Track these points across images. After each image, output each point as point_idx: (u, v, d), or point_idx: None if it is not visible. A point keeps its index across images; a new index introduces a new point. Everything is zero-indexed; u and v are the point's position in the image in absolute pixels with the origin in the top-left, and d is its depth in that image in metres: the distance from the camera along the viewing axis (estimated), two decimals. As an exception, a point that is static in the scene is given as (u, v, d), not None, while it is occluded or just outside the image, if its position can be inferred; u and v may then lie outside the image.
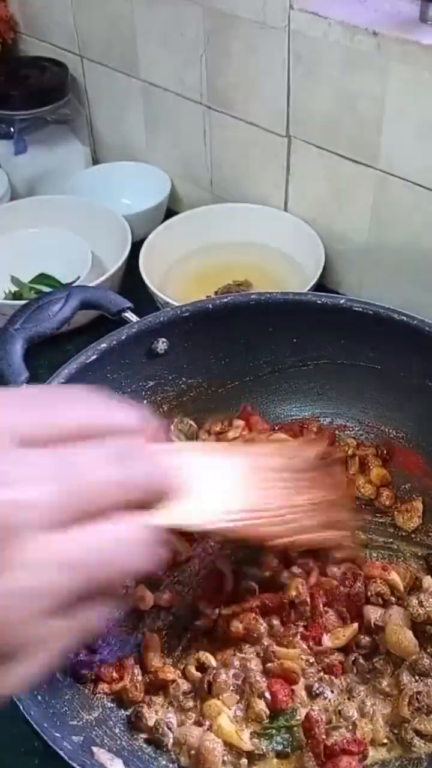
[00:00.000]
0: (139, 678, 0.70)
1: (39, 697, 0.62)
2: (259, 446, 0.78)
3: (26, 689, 0.57)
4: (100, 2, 1.25)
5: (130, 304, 0.85)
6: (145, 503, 0.41)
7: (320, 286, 1.10)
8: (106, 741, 0.66)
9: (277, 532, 0.62)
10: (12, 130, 1.32)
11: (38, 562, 0.35)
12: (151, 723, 0.68)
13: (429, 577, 0.78)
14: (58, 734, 0.57)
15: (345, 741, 0.65)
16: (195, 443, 0.85)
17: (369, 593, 0.75)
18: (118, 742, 0.67)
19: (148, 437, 0.44)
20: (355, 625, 0.73)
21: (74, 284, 1.11)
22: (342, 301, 0.85)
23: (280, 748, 0.68)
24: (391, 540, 0.84)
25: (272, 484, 0.63)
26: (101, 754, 0.61)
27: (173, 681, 0.70)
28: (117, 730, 0.68)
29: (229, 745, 0.67)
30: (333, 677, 0.71)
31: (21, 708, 0.57)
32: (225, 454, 0.63)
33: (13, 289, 1.19)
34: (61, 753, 0.55)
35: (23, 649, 0.36)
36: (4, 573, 0.34)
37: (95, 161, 1.47)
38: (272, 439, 0.87)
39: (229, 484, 0.58)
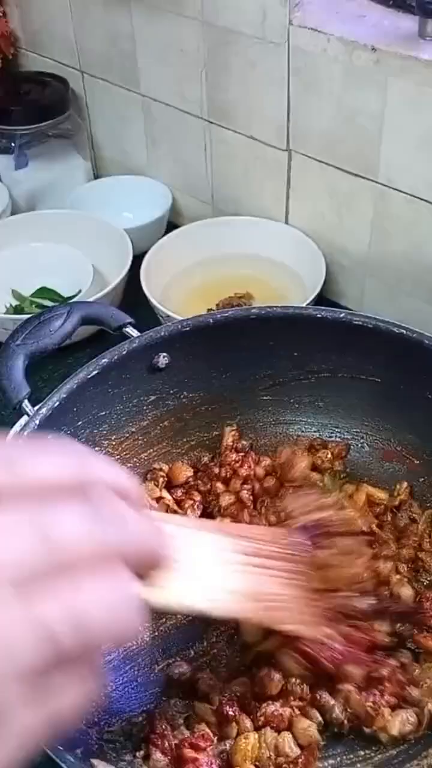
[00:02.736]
0: None
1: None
2: (250, 528, 0.70)
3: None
4: (101, 17, 1.26)
5: (130, 319, 0.85)
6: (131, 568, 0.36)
7: (321, 299, 1.10)
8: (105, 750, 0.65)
9: (280, 617, 0.58)
10: (13, 145, 1.33)
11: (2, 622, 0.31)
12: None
13: None
14: (60, 747, 0.57)
15: None
16: (180, 517, 0.79)
17: None
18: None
19: (130, 497, 0.39)
20: None
21: (75, 298, 1.12)
22: (342, 315, 0.85)
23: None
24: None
25: (266, 568, 0.58)
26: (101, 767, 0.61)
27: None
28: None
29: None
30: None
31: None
32: (214, 530, 0.57)
33: (15, 303, 1.20)
34: (63, 766, 0.54)
35: None
36: None
37: (96, 175, 1.47)
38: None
39: (220, 563, 0.54)
